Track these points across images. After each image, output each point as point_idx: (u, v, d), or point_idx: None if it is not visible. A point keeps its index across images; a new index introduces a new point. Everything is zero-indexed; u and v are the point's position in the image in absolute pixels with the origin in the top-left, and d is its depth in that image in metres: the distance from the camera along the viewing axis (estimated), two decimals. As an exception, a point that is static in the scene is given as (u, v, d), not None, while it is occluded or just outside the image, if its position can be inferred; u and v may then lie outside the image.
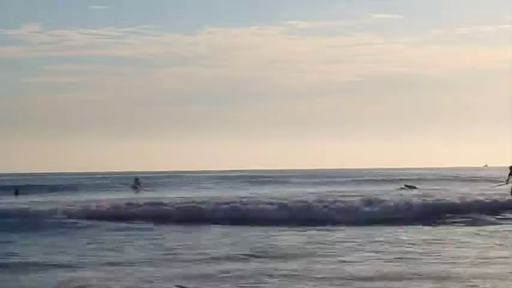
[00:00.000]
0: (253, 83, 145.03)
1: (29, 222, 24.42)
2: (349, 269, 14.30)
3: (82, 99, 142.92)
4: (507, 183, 35.21)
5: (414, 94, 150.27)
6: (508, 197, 32.15)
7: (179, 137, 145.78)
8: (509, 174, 35.16)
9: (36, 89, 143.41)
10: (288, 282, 13.15)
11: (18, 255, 17.24)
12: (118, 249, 18.26)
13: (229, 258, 16.09)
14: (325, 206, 28.45)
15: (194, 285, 12.83)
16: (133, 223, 24.88)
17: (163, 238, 20.73)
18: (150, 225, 24.23)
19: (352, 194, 36.58)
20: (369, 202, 28.95)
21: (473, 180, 57.67)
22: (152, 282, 13.18)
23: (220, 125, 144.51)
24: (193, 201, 30.15)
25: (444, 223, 24.50)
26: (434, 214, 26.73)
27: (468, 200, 30.24)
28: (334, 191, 41.15)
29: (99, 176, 74.81)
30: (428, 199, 30.54)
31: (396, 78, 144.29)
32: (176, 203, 29.60)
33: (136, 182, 50.45)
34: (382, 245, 18.34)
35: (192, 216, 26.67)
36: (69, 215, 26.67)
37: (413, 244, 18.43)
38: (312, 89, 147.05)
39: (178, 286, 12.48)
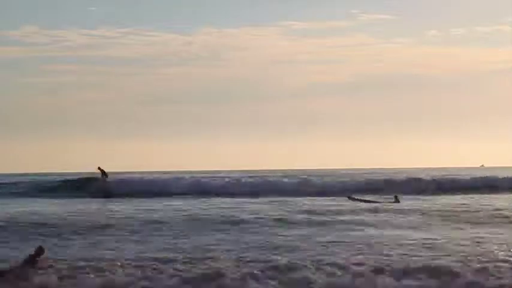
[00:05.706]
0: (252, 83, 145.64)
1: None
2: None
3: (81, 100, 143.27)
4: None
5: (412, 94, 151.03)
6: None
7: (178, 137, 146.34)
8: None
9: (36, 89, 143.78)
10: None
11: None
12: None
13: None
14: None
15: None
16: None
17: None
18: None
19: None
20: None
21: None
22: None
23: (219, 125, 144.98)
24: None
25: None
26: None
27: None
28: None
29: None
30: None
31: (394, 78, 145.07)
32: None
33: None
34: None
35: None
36: None
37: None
38: (310, 90, 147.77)
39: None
